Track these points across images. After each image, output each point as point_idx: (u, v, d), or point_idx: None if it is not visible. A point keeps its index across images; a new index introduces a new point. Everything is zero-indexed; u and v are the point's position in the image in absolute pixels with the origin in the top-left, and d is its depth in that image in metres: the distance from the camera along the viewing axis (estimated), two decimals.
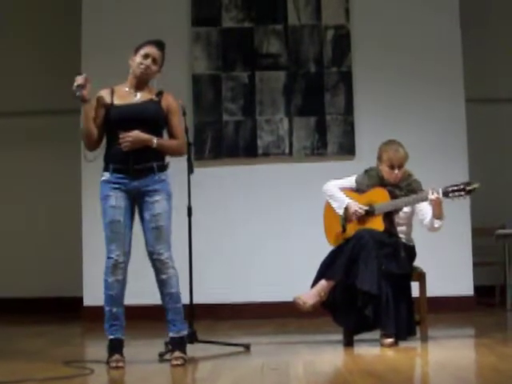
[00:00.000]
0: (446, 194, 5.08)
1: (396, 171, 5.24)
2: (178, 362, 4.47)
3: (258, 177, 7.25)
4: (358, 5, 7.33)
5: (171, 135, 4.68)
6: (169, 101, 4.68)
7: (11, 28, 8.56)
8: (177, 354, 4.52)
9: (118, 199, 4.53)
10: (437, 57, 7.25)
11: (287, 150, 7.25)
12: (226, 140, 7.26)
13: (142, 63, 4.61)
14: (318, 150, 7.24)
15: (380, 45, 7.29)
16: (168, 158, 4.66)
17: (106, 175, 4.56)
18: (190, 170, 5.00)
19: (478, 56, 8.31)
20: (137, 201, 4.58)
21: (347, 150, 7.21)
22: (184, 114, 5.05)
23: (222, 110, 7.28)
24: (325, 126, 7.24)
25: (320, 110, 7.25)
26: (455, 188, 5.08)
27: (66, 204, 8.05)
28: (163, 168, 4.61)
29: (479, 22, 8.45)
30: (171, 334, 4.57)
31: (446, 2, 7.32)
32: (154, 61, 4.64)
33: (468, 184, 5.12)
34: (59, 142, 8.25)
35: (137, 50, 4.65)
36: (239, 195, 7.23)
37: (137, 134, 4.48)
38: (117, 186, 4.53)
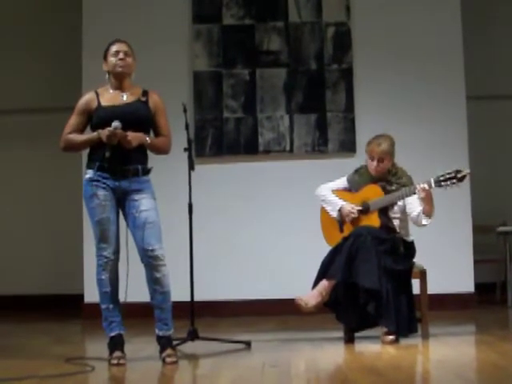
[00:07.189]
0: (438, 183, 5.06)
1: (374, 163, 5.24)
2: (174, 359, 4.48)
3: (259, 174, 7.24)
4: (358, 2, 7.32)
5: (158, 134, 4.68)
6: (155, 100, 4.69)
7: (11, 28, 8.55)
8: (169, 351, 4.52)
9: (104, 197, 4.52)
10: (438, 54, 7.24)
11: (288, 147, 7.24)
12: (226, 137, 7.25)
13: (118, 60, 4.59)
14: (319, 147, 7.23)
15: (381, 42, 7.28)
16: (151, 163, 4.66)
17: (90, 173, 4.55)
18: (191, 167, 5.01)
19: (479, 53, 8.31)
20: (121, 201, 4.58)
21: (348, 147, 7.20)
22: (185, 111, 5.07)
23: (222, 107, 7.27)
24: (325, 124, 7.23)
25: (321, 107, 7.25)
26: (447, 176, 5.06)
27: (67, 201, 8.04)
28: (147, 171, 4.63)
29: (480, 19, 8.44)
30: (162, 333, 4.56)
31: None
32: (126, 53, 4.63)
33: (458, 171, 5.08)
34: (60, 141, 8.24)
35: (105, 56, 4.65)
36: (240, 192, 7.23)
37: (131, 133, 4.48)
38: (101, 184, 4.52)
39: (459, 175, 5.06)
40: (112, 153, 4.45)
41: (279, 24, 7.33)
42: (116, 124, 4.43)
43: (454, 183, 5.06)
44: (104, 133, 4.44)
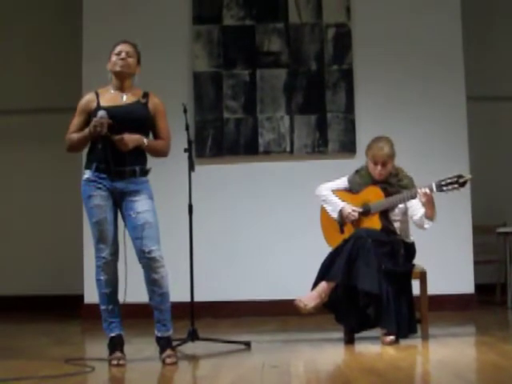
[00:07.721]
0: (439, 187, 5.06)
1: (379, 167, 5.23)
2: (174, 360, 4.47)
3: (259, 175, 7.24)
4: (358, 3, 7.32)
5: (157, 136, 4.67)
6: (156, 102, 4.68)
7: (11, 28, 8.56)
8: (169, 352, 4.51)
9: (101, 198, 4.52)
10: (438, 55, 7.24)
11: (288, 148, 7.24)
12: (226, 138, 7.25)
13: (119, 59, 4.60)
14: (319, 147, 7.23)
15: (381, 43, 7.28)
16: (150, 164, 4.65)
17: (88, 173, 4.55)
18: (191, 168, 5.00)
19: (479, 54, 8.31)
20: (118, 202, 4.57)
21: (348, 147, 7.20)
22: (185, 111, 5.07)
23: (222, 107, 7.28)
24: (326, 124, 7.23)
25: (321, 107, 7.25)
26: (448, 181, 5.06)
27: (67, 202, 8.04)
28: (145, 172, 4.62)
29: (480, 19, 8.44)
30: (161, 334, 4.55)
31: (447, 0, 7.31)
32: (128, 53, 4.63)
33: (460, 176, 5.09)
34: (60, 141, 8.20)
35: (109, 56, 4.67)
36: (240, 193, 7.23)
37: (127, 135, 4.48)
38: (99, 185, 4.52)
39: (461, 180, 5.06)
40: (105, 148, 4.44)
41: (279, 25, 7.33)
42: (102, 113, 4.43)
43: (455, 188, 5.07)
44: (90, 125, 4.45)
